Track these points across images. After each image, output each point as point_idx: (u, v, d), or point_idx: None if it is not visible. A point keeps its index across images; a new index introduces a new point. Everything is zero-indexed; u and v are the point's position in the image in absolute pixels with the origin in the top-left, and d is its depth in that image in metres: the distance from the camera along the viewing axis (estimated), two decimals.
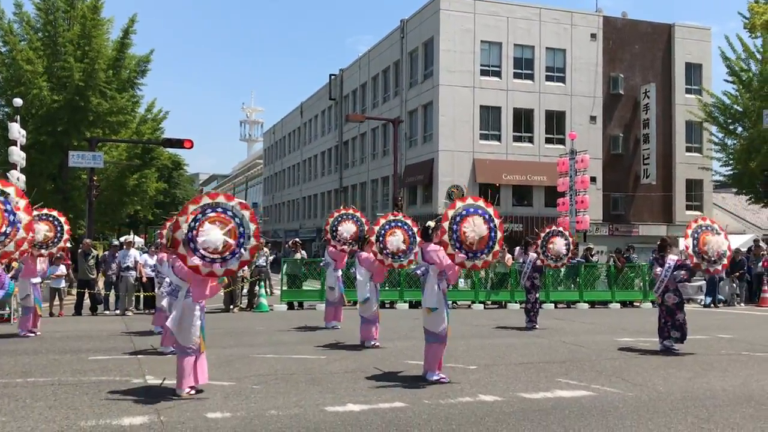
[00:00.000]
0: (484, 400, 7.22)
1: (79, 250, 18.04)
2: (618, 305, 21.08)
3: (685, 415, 6.64)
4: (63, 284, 16.68)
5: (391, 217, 11.44)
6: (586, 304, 20.71)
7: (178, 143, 23.87)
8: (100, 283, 18.26)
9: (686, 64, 40.36)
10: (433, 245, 8.40)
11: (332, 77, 52.80)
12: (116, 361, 9.51)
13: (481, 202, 8.37)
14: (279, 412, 6.59)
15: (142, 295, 17.93)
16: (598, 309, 20.46)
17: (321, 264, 16.02)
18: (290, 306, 19.06)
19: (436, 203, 35.82)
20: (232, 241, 7.09)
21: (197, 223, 7.05)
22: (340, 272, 14.03)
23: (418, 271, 8.70)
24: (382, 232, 11.01)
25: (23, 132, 19.93)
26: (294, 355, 10.21)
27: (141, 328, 13.52)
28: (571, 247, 15.15)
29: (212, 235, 6.99)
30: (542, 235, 14.73)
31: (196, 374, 7.41)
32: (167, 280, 10.16)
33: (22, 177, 19.50)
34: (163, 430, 5.93)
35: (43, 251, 12.88)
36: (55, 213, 13.23)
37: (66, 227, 13.17)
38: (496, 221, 8.21)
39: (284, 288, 19.37)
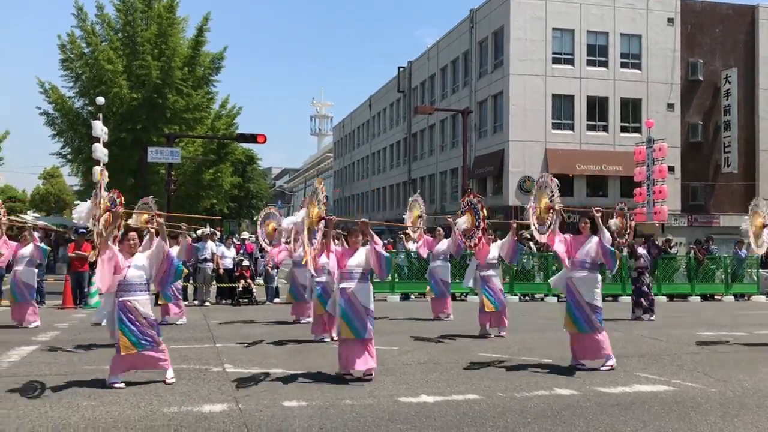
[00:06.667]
0: (561, 393, 7.11)
1: None
2: (698, 298, 20.39)
3: None
4: None
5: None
6: (665, 297, 20.11)
7: (252, 138, 24.33)
8: None
9: None
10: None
11: (401, 70, 52.73)
12: (196, 350, 9.79)
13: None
14: (353, 401, 6.66)
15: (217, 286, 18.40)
16: (677, 302, 19.86)
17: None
18: None
19: (506, 195, 35.41)
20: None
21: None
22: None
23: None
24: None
25: (105, 129, 20.68)
26: None
27: (219, 318, 13.89)
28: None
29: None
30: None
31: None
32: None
33: (106, 173, 20.26)
34: (241, 417, 6.08)
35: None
36: None
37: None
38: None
39: None
